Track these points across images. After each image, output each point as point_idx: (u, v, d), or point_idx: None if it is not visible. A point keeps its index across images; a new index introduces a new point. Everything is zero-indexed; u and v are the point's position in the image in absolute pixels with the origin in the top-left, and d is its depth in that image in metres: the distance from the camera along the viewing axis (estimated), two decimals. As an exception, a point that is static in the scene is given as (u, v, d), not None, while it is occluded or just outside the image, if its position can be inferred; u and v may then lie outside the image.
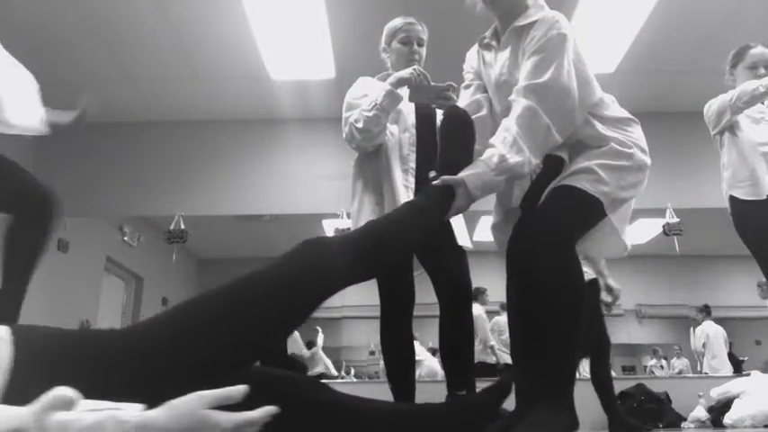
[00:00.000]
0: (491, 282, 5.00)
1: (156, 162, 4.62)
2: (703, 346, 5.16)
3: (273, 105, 4.46)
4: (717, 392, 3.32)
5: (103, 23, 3.55)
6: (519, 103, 1.42)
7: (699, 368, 5.21)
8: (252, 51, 3.79)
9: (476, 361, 5.11)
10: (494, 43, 1.67)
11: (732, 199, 2.44)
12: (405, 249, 1.31)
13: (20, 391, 0.73)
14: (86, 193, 4.50)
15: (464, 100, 1.72)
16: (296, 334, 5.33)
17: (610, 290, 3.19)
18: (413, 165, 2.06)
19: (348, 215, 3.26)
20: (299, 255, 1.07)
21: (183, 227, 4.48)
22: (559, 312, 1.34)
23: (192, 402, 0.70)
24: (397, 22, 2.20)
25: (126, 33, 3.64)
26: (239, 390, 0.72)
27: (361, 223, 2.04)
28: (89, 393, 0.68)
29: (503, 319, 5.23)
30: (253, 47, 3.74)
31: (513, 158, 1.35)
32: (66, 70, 3.98)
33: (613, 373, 5.58)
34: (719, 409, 3.28)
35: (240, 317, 0.94)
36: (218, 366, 0.92)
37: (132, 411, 0.68)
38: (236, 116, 4.63)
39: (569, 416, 1.32)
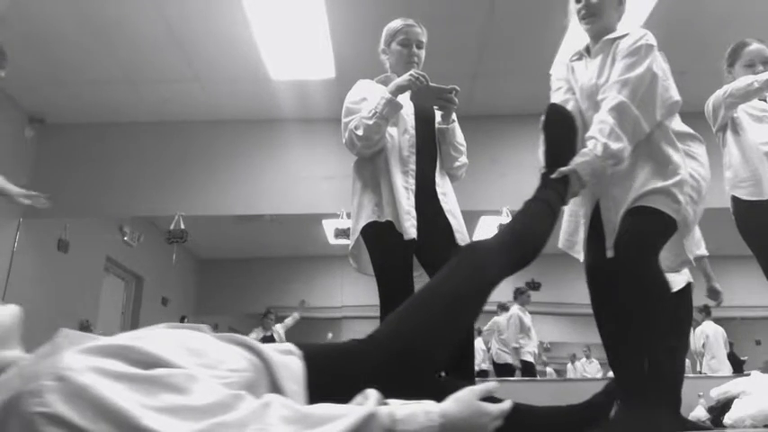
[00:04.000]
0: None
1: (156, 162, 4.62)
2: (703, 346, 5.16)
3: (273, 105, 4.46)
4: (717, 392, 3.31)
5: (103, 24, 3.54)
6: (611, 99, 1.61)
7: (698, 368, 5.21)
8: (252, 51, 3.79)
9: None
10: (585, 54, 1.88)
11: (734, 199, 2.42)
12: (545, 239, 1.47)
13: (313, 397, 0.90)
14: (86, 193, 4.50)
15: (556, 100, 1.89)
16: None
17: (715, 292, 3.23)
18: (413, 166, 2.05)
19: (348, 215, 3.26)
20: (468, 260, 1.25)
21: (183, 227, 4.47)
22: (653, 326, 1.55)
23: (470, 395, 0.87)
24: (397, 23, 2.20)
25: (126, 34, 3.63)
26: (494, 385, 0.90)
27: (361, 224, 2.05)
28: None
29: (501, 319, 5.24)
30: (253, 47, 3.74)
31: (615, 145, 1.55)
32: (67, 71, 3.97)
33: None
34: (719, 409, 3.27)
35: (447, 321, 1.13)
36: (441, 365, 1.12)
37: (431, 404, 0.83)
38: (236, 116, 4.63)
39: (664, 419, 1.50)
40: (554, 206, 1.51)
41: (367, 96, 2.08)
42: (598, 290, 1.78)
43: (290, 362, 0.95)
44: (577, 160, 1.56)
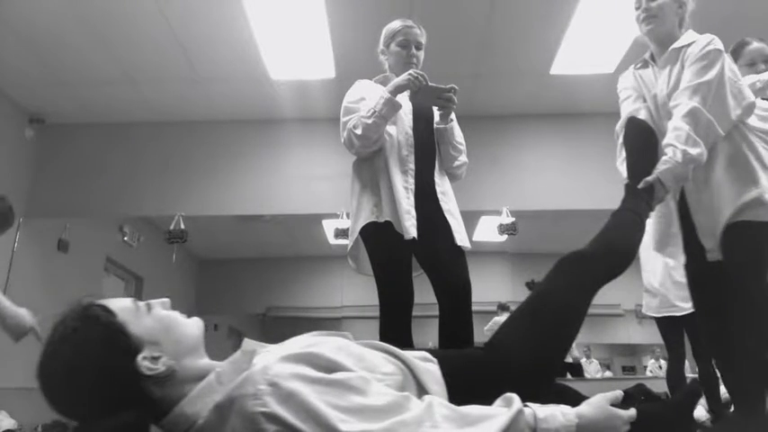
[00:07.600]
0: (490, 282, 5.01)
1: (156, 162, 4.62)
2: (703, 346, 5.15)
3: (273, 105, 4.46)
4: (717, 393, 3.31)
5: (103, 24, 3.54)
6: (684, 105, 1.66)
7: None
8: (252, 51, 3.79)
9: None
10: (651, 61, 1.93)
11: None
12: (637, 248, 1.53)
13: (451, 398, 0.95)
14: (86, 193, 4.50)
15: (627, 108, 1.94)
16: None
17: None
18: (412, 166, 2.05)
19: (348, 215, 3.27)
20: (567, 270, 1.31)
21: (183, 227, 4.47)
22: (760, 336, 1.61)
23: (603, 399, 0.93)
24: (396, 24, 2.19)
25: (125, 34, 3.63)
26: (620, 393, 0.96)
27: (359, 225, 2.04)
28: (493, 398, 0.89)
29: (500, 319, 5.23)
30: (253, 47, 3.74)
31: (694, 150, 1.61)
32: (66, 71, 3.97)
33: (610, 374, 5.57)
34: (720, 410, 3.27)
35: (558, 330, 1.20)
36: (556, 372, 1.20)
37: (567, 407, 0.88)
38: (235, 116, 4.63)
39: (759, 422, 1.54)
40: (642, 214, 1.59)
41: (365, 96, 2.08)
42: (702, 294, 1.84)
43: (430, 367, 1.03)
44: (660, 168, 1.62)
